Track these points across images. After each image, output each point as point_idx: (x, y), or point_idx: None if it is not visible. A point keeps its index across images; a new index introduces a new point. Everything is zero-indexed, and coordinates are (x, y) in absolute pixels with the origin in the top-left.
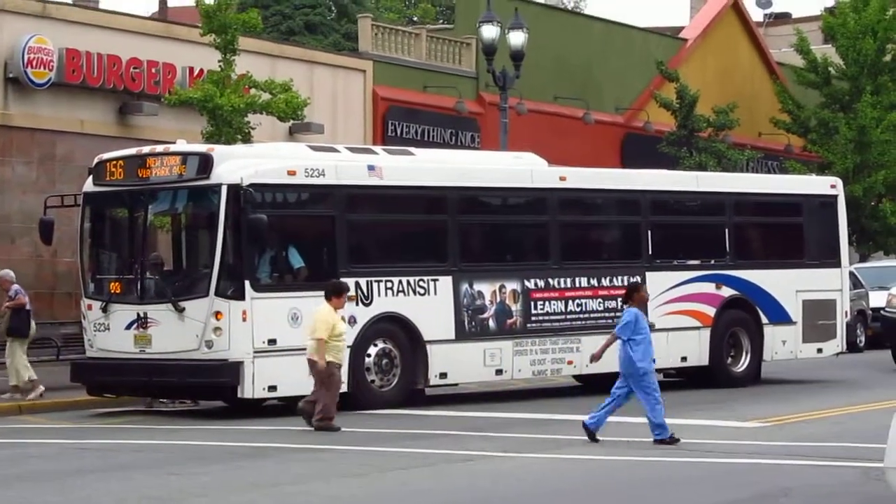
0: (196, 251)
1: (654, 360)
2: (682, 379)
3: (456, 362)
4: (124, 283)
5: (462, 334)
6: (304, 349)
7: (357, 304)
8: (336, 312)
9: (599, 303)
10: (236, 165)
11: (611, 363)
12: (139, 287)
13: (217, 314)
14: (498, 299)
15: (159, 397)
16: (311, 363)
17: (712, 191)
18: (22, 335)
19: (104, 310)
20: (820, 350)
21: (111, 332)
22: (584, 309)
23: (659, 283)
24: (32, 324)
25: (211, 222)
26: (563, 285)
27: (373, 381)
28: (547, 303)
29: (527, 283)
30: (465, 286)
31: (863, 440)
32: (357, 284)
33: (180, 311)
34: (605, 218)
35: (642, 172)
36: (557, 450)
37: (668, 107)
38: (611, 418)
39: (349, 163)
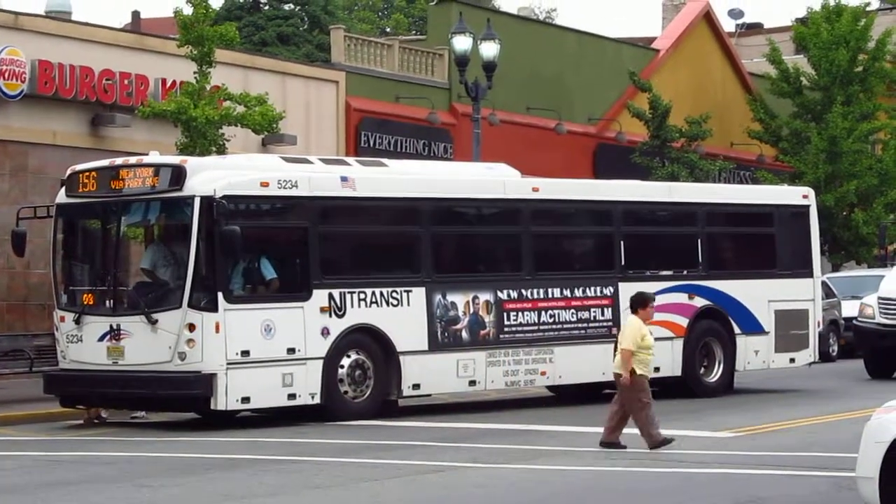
0: (169, 263)
1: None
2: (655, 389)
3: (429, 373)
4: (97, 294)
5: (435, 345)
6: (277, 361)
7: (330, 315)
8: (645, 324)
9: (572, 314)
10: (209, 177)
11: (584, 374)
12: (112, 299)
13: (190, 326)
14: (471, 310)
15: (132, 409)
16: (617, 377)
17: (685, 201)
18: None
19: (77, 321)
20: (792, 360)
21: (84, 344)
22: (557, 320)
23: (632, 293)
24: None
25: (184, 234)
26: (536, 296)
27: (346, 393)
28: (520, 314)
29: (500, 293)
30: (438, 297)
31: (835, 450)
32: (330, 296)
33: (153, 322)
34: (578, 229)
35: (615, 183)
36: (530, 461)
37: (640, 117)
38: (585, 428)
39: (322, 174)
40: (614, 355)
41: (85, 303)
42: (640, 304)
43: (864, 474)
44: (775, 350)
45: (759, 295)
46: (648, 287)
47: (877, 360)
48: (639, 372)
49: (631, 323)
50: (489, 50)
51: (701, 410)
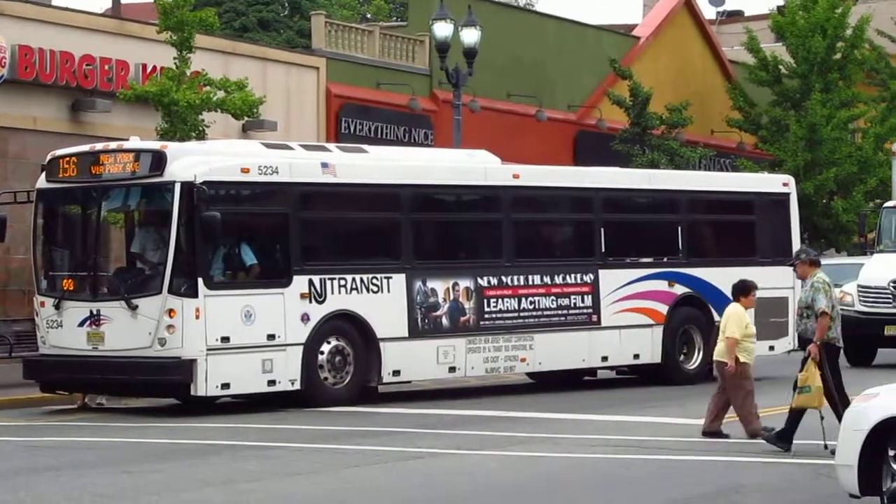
0: (150, 248)
1: None
2: (635, 376)
3: (409, 360)
4: (77, 280)
5: (415, 332)
6: (257, 347)
7: (310, 301)
8: (746, 312)
9: (552, 300)
10: (190, 162)
11: (564, 360)
12: (92, 284)
13: (170, 312)
14: (451, 297)
15: (112, 395)
16: (720, 365)
17: (665, 189)
18: None
19: (57, 307)
20: (772, 347)
21: (64, 329)
22: (537, 307)
23: (612, 280)
24: None
25: (164, 219)
26: (516, 283)
27: (326, 379)
28: (500, 300)
29: (480, 280)
30: (418, 284)
31: (813, 437)
32: (310, 282)
33: (133, 308)
34: (559, 216)
35: (595, 170)
36: (510, 447)
37: (620, 104)
38: (565, 415)
39: (303, 160)
40: (715, 343)
41: (65, 288)
42: (743, 291)
43: (844, 462)
44: None
45: None
46: (628, 274)
47: (856, 348)
48: (742, 360)
49: (735, 311)
50: (470, 36)
51: (680, 398)
